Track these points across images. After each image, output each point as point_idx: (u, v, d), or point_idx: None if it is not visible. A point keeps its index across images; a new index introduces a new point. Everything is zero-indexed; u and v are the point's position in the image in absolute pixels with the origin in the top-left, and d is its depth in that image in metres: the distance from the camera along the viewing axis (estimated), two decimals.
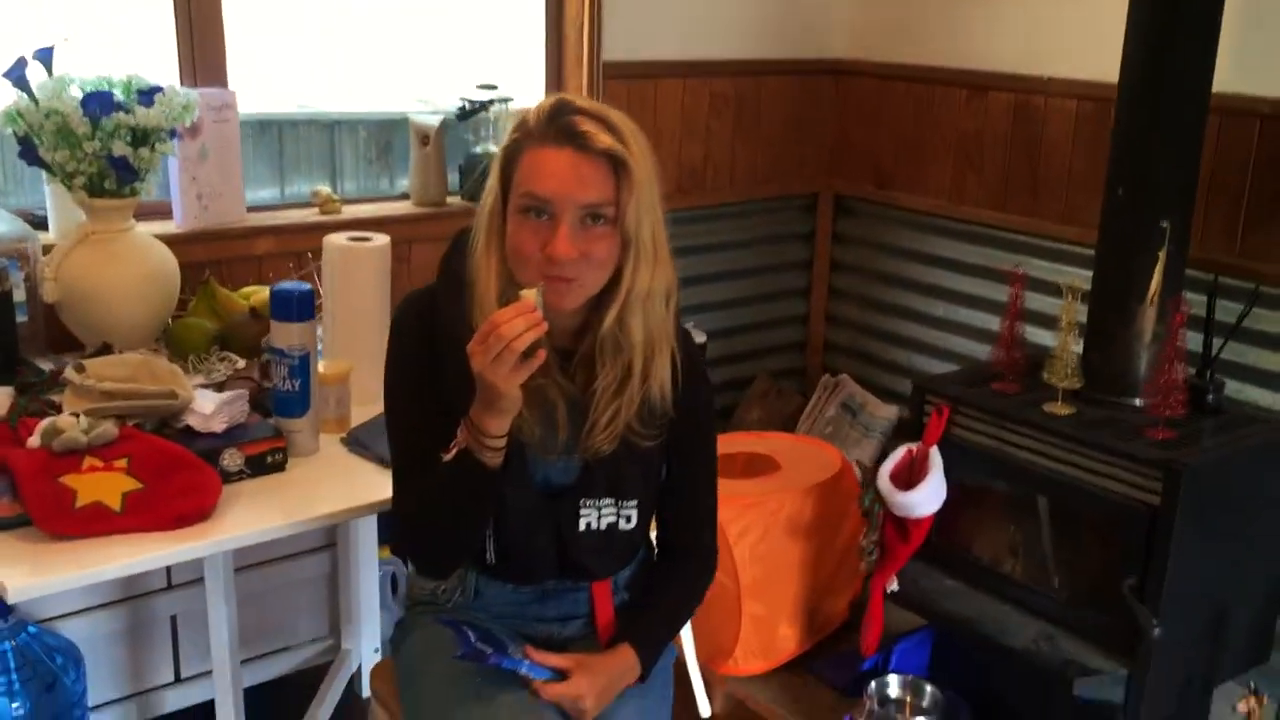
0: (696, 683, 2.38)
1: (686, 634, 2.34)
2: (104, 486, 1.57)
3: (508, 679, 1.49)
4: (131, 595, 2.27)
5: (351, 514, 1.73)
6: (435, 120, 2.69)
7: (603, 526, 1.54)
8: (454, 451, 1.40)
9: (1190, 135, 2.18)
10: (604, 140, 1.36)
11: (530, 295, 1.33)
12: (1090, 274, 2.48)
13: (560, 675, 1.49)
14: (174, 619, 2.34)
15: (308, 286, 1.80)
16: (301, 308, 1.78)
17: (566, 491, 1.53)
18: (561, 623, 1.62)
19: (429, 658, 1.55)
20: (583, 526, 1.53)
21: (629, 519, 1.55)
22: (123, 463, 1.61)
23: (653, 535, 1.68)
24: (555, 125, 1.38)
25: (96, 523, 1.54)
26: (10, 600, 1.43)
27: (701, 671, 2.40)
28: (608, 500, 1.53)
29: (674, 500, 1.62)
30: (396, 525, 1.54)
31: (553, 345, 1.49)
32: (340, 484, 1.78)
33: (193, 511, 1.59)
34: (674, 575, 1.65)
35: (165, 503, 1.58)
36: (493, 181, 1.44)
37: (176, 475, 1.62)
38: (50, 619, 2.16)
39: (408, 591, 1.72)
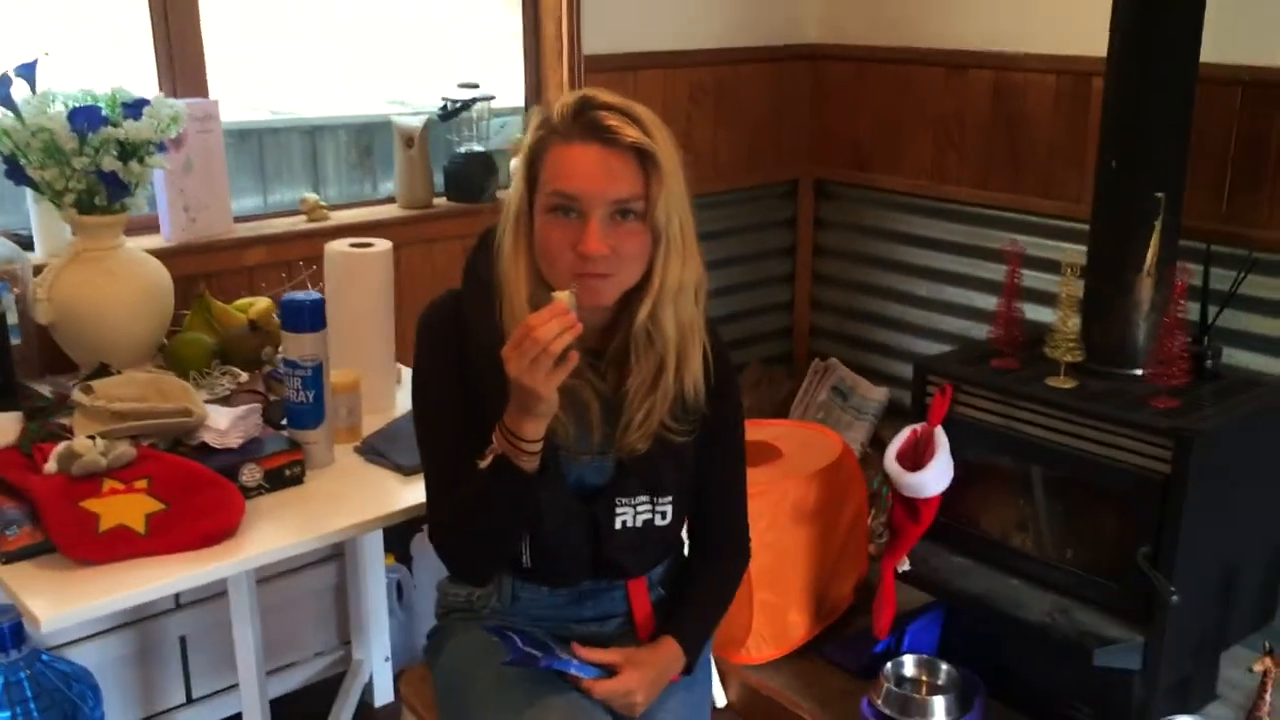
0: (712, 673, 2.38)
1: None
2: (127, 509, 1.54)
3: (555, 683, 1.48)
4: (140, 618, 2.23)
5: (376, 524, 1.71)
6: (419, 122, 2.66)
7: (638, 524, 1.53)
8: (490, 459, 1.39)
9: (1181, 105, 2.20)
10: (631, 134, 1.35)
11: (563, 297, 1.32)
12: (1074, 247, 2.51)
13: (608, 672, 1.48)
14: (183, 639, 2.31)
15: (319, 296, 1.78)
16: (313, 318, 1.75)
17: (601, 491, 1.52)
18: (600, 621, 1.61)
19: (472, 664, 1.54)
20: (619, 525, 1.52)
21: (664, 515, 1.55)
22: (143, 483, 1.58)
23: (683, 531, 1.68)
24: (581, 121, 1.37)
25: (122, 546, 1.51)
26: (44, 630, 1.40)
27: (715, 662, 2.40)
28: (643, 497, 1.53)
29: (709, 492, 1.62)
30: (433, 534, 1.52)
31: (583, 345, 1.48)
32: (359, 494, 1.76)
33: (218, 530, 1.57)
34: (711, 566, 1.65)
35: (190, 522, 1.56)
36: (518, 181, 1.42)
37: (199, 494, 1.59)
38: (60, 646, 2.12)
39: (440, 599, 1.70)
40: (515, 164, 1.44)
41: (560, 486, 1.49)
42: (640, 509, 1.53)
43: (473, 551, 1.50)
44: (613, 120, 1.35)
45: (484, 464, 1.39)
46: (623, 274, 1.41)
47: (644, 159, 1.37)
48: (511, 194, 1.44)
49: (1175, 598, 2.04)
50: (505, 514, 1.43)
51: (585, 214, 1.36)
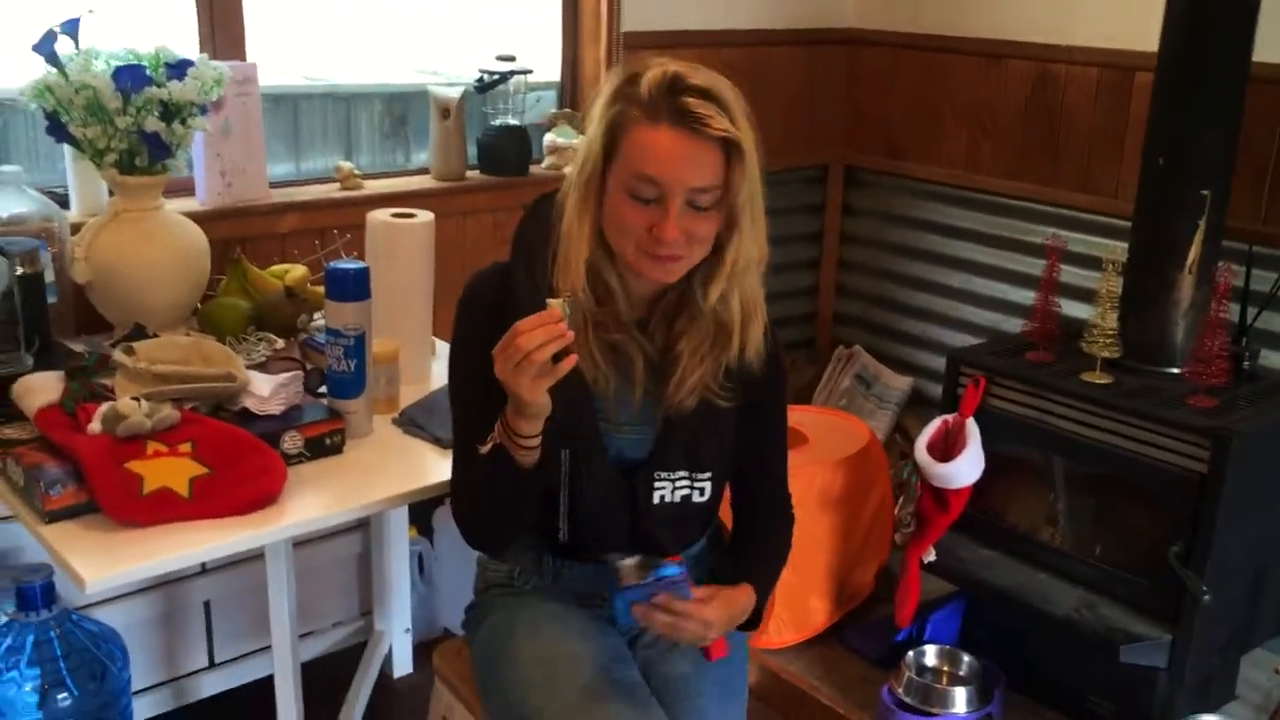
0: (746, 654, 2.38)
1: None
2: (171, 472, 1.53)
3: (602, 663, 1.47)
4: (166, 580, 2.23)
5: (413, 496, 1.70)
6: (456, 93, 2.64)
7: (677, 499, 1.53)
8: (489, 446, 1.39)
9: (1232, 104, 2.18)
10: (720, 125, 1.34)
11: (557, 305, 1.30)
12: (1109, 242, 2.49)
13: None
14: (207, 604, 2.31)
15: (364, 265, 1.76)
16: (358, 287, 1.74)
17: (641, 465, 1.51)
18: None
19: (515, 641, 1.53)
20: (657, 499, 1.52)
21: (703, 491, 1.54)
22: (187, 447, 1.57)
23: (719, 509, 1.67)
24: (670, 104, 1.35)
25: (166, 509, 1.51)
26: (89, 591, 1.39)
27: None
28: (682, 473, 1.52)
29: (760, 457, 1.62)
30: (452, 502, 1.53)
31: (633, 314, 1.48)
32: (397, 465, 1.75)
33: (261, 496, 1.56)
34: (769, 527, 1.66)
35: (233, 488, 1.55)
36: (596, 147, 1.40)
37: (243, 460, 1.58)
38: (87, 606, 2.11)
39: (480, 574, 1.69)
40: (592, 129, 1.41)
41: (601, 458, 1.48)
42: (679, 484, 1.52)
43: (483, 525, 1.51)
44: (702, 108, 1.33)
45: (484, 450, 1.40)
46: (692, 255, 1.41)
47: (729, 148, 1.36)
48: (585, 158, 1.41)
49: (1207, 597, 2.04)
50: (506, 499, 1.44)
51: (665, 199, 1.36)
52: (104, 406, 1.57)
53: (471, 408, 1.47)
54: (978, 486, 2.33)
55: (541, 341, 1.26)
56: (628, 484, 1.51)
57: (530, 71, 2.75)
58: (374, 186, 2.59)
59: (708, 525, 1.64)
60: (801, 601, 2.59)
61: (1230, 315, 2.19)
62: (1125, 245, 2.34)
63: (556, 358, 1.28)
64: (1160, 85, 2.24)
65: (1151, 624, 2.16)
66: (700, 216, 1.38)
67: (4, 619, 1.89)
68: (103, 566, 1.42)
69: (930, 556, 2.42)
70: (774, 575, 1.64)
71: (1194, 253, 2.21)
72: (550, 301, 1.31)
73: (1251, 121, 2.35)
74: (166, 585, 2.23)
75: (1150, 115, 2.27)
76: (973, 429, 2.33)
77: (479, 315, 1.48)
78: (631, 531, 1.53)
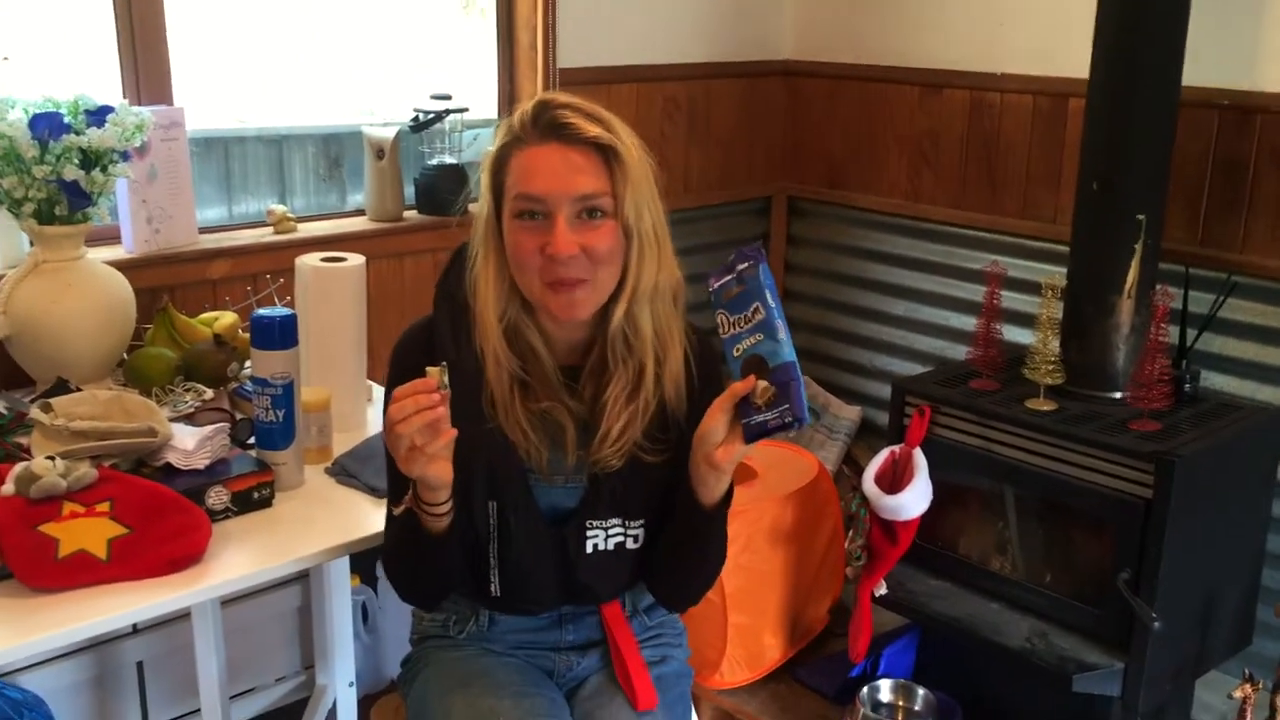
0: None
1: None
2: (88, 534, 1.47)
3: (538, 717, 1.43)
4: (96, 642, 2.15)
5: (347, 549, 1.64)
6: (390, 133, 2.60)
7: (610, 546, 1.48)
8: (401, 509, 1.36)
9: (1163, 128, 2.20)
10: (591, 129, 1.33)
11: (434, 373, 1.27)
12: (1049, 268, 2.49)
13: None
14: (140, 665, 2.24)
15: (290, 312, 1.71)
16: (285, 334, 1.69)
17: (572, 515, 1.47)
18: (580, 652, 1.56)
19: (448, 695, 1.48)
20: (589, 548, 1.47)
21: (636, 539, 1.50)
22: (105, 506, 1.51)
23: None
24: (540, 123, 1.34)
25: (82, 573, 1.44)
26: None
27: None
28: (615, 520, 1.48)
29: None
30: (382, 556, 1.50)
31: (559, 364, 1.44)
32: (330, 516, 1.69)
33: (184, 556, 1.50)
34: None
35: (154, 548, 1.49)
36: (484, 192, 1.39)
37: (164, 518, 1.52)
38: (10, 671, 2.03)
39: (415, 624, 1.64)
40: (482, 176, 1.41)
41: (532, 513, 1.44)
42: (613, 532, 1.48)
43: (410, 581, 1.48)
44: (571, 117, 1.33)
45: (397, 511, 1.37)
46: (597, 279, 1.37)
47: (607, 154, 1.34)
48: (479, 208, 1.41)
49: (1157, 624, 2.03)
50: (427, 558, 1.41)
51: (551, 214, 1.33)
52: (17, 467, 1.51)
53: (394, 466, 1.43)
54: (927, 517, 2.32)
55: (410, 412, 1.23)
56: (558, 534, 1.46)
57: (466, 109, 2.72)
58: (309, 229, 2.54)
59: (643, 567, 1.60)
60: (755, 639, 2.55)
61: (1170, 338, 2.19)
62: (1058, 269, 2.34)
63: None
64: (1091, 111, 2.25)
65: (1104, 652, 2.15)
66: (593, 229, 1.35)
67: None
68: (12, 635, 1.35)
69: (882, 589, 2.40)
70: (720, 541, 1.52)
71: (1131, 276, 2.22)
72: (429, 369, 1.28)
73: (1184, 144, 2.37)
74: (97, 647, 2.16)
75: (1083, 141, 2.28)
76: (920, 459, 2.33)
77: (406, 373, 1.43)
78: (565, 581, 1.48)
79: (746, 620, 2.52)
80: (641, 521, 1.49)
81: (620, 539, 1.48)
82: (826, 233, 3.35)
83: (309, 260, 1.98)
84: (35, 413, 1.64)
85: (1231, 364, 2.47)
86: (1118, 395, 2.27)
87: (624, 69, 2.99)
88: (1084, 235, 2.29)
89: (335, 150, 2.75)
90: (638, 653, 1.55)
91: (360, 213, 2.69)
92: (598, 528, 1.47)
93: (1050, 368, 2.25)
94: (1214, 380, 2.49)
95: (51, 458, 1.52)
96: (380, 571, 2.60)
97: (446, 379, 1.27)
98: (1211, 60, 2.39)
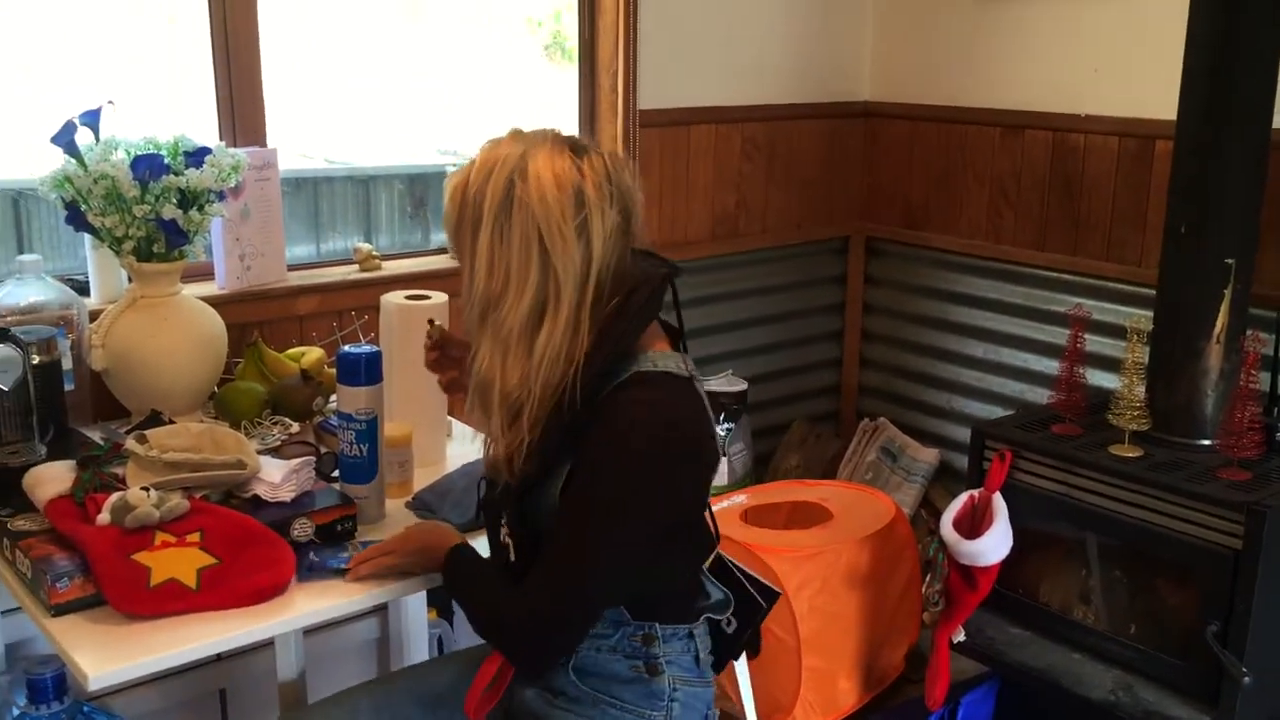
0: None
1: (746, 692, 2.28)
2: (178, 563, 1.51)
3: None
4: (182, 669, 2.19)
5: (425, 583, 1.67)
6: None
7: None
8: None
9: (1254, 171, 2.16)
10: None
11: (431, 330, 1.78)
12: (1135, 311, 2.45)
13: None
14: (223, 692, 2.28)
15: (375, 349, 1.75)
16: (370, 371, 1.73)
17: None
18: None
19: None
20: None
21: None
22: (195, 537, 1.55)
23: None
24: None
25: (172, 601, 1.48)
26: (91, 688, 1.37)
27: None
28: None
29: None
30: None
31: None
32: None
33: (269, 587, 1.54)
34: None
35: (241, 578, 1.53)
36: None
37: (251, 549, 1.56)
38: (99, 695, 2.08)
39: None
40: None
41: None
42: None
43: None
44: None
45: None
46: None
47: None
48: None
49: (1247, 678, 1.97)
50: None
51: None
52: (113, 497, 1.56)
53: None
54: (1007, 563, 2.28)
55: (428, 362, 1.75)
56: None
57: None
58: (393, 267, 2.59)
59: None
60: (830, 683, 2.52)
61: (1260, 385, 2.14)
62: (1144, 313, 2.30)
63: None
64: (1179, 153, 2.22)
65: (1191, 707, 2.09)
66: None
67: (16, 711, 1.87)
68: (107, 661, 1.39)
69: (960, 636, 2.36)
70: (487, 583, 1.54)
71: (1221, 321, 2.17)
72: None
73: (1276, 187, 2.33)
74: (182, 673, 2.20)
75: (1171, 184, 2.24)
76: (999, 504, 2.29)
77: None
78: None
79: (821, 664, 2.49)
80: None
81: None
82: (904, 273, 3.34)
83: (393, 298, 2.02)
84: (131, 444, 1.69)
85: None
86: (1205, 442, 2.22)
87: (703, 110, 3.02)
88: (1171, 279, 2.25)
89: (420, 190, 2.81)
90: None
91: (443, 251, 2.74)
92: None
93: (1135, 413, 2.21)
94: None
95: (146, 489, 1.57)
96: (456, 605, 2.62)
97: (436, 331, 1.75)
98: None
